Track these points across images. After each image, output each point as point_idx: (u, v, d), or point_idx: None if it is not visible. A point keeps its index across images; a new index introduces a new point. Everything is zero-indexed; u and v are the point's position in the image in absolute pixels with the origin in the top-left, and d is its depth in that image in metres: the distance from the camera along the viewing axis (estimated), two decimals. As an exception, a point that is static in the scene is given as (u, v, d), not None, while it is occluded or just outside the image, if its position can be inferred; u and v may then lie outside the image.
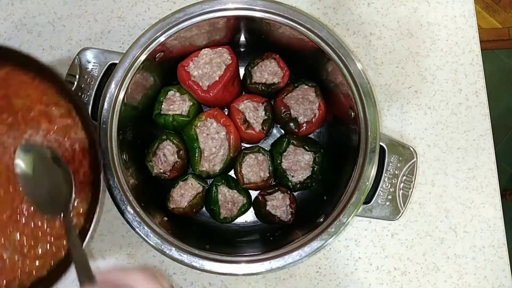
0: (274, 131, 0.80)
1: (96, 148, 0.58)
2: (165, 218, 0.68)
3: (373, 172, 0.62)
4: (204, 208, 0.75)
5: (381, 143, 0.63)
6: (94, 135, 0.59)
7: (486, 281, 0.75)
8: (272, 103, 0.76)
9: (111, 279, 0.46)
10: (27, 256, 0.57)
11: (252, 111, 0.73)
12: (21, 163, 0.55)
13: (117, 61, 0.64)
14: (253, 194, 0.76)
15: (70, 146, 0.60)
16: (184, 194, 0.71)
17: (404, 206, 0.64)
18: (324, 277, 0.75)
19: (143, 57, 0.63)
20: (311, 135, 0.77)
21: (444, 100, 0.80)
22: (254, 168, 0.72)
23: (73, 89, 0.65)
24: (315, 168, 0.72)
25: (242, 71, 0.77)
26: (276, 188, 0.72)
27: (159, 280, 0.48)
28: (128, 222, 0.61)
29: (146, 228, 0.60)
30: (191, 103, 0.73)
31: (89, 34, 0.81)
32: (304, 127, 0.73)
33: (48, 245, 0.58)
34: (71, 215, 0.57)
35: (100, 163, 0.57)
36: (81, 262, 0.47)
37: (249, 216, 0.77)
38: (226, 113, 0.77)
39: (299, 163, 0.73)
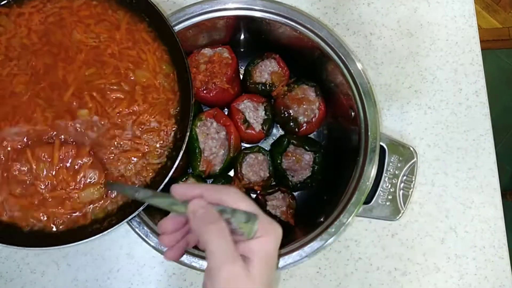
0: (274, 131, 0.80)
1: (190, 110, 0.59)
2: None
3: (373, 172, 0.61)
4: (204, 208, 0.75)
5: (381, 143, 0.63)
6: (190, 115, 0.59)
7: (487, 281, 0.75)
8: (272, 103, 0.76)
9: (205, 195, 0.43)
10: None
11: (252, 111, 0.73)
12: None
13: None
14: (253, 194, 0.76)
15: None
16: (184, 194, 0.70)
17: (404, 206, 0.64)
18: (324, 277, 0.75)
19: (143, 57, 0.63)
20: (311, 135, 0.77)
21: (444, 100, 0.80)
22: (254, 168, 0.72)
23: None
24: (315, 168, 0.72)
25: (242, 71, 0.77)
26: (276, 188, 0.72)
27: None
28: (128, 222, 0.60)
29: (146, 228, 0.60)
30: (191, 103, 0.72)
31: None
32: (304, 127, 0.73)
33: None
34: None
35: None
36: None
37: (249, 216, 0.77)
38: (226, 113, 0.76)
39: (299, 163, 0.73)
